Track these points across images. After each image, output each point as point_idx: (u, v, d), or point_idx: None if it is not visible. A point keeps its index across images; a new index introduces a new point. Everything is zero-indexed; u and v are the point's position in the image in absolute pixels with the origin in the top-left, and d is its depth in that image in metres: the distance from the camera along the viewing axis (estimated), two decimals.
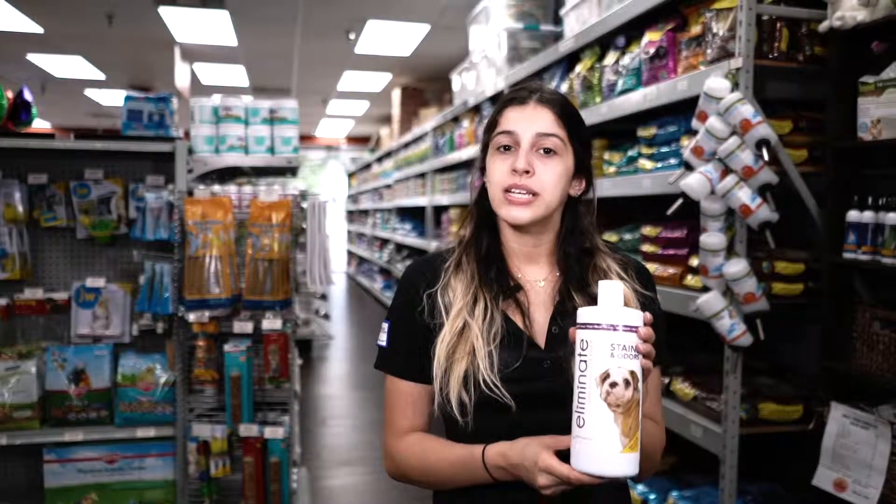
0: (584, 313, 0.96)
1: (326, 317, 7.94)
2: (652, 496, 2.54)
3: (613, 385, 0.91)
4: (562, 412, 1.05)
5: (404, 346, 1.18)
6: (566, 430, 0.99)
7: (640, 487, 2.58)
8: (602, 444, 0.91)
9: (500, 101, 1.19)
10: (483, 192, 1.22)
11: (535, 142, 1.12)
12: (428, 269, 1.19)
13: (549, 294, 1.16)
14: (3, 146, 2.53)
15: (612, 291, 0.95)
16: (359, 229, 13.13)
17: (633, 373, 0.92)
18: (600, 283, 0.97)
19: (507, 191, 1.12)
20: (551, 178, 1.12)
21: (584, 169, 1.18)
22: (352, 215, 14.52)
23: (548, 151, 1.12)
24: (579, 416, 0.93)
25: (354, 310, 10.64)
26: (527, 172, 1.10)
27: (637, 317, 0.94)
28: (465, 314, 1.11)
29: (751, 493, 2.32)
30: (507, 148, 1.13)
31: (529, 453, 1.00)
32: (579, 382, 0.93)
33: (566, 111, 1.16)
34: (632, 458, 0.92)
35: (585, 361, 0.93)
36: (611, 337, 0.92)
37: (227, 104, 2.79)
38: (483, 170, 1.21)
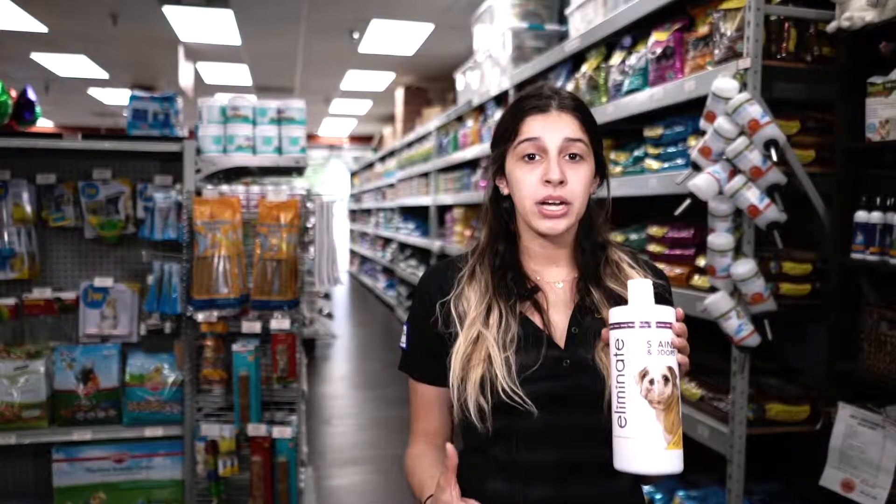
0: (616, 313, 0.95)
1: (330, 316, 7.95)
2: (658, 496, 2.55)
3: (653, 382, 0.91)
4: (585, 412, 1.06)
5: (421, 350, 1.19)
6: (592, 429, 0.99)
7: (647, 487, 2.58)
8: (645, 442, 0.91)
9: (516, 109, 1.16)
10: (496, 198, 1.21)
11: (563, 147, 1.10)
12: (441, 278, 1.19)
13: (568, 294, 1.16)
14: (11, 146, 2.54)
15: (643, 289, 0.95)
16: (361, 228, 13.15)
17: (670, 369, 0.92)
18: (629, 281, 0.97)
19: (540, 203, 1.10)
20: (581, 184, 1.11)
21: (600, 168, 1.18)
22: (354, 214, 14.53)
23: (574, 157, 1.11)
24: (620, 416, 0.93)
25: (357, 309, 10.65)
26: (561, 183, 1.09)
27: (670, 313, 0.94)
28: (478, 324, 1.11)
29: (757, 493, 2.33)
30: (531, 157, 1.11)
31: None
32: (617, 382, 0.93)
33: (586, 114, 1.15)
34: (676, 455, 0.91)
35: (622, 361, 0.93)
36: (646, 334, 0.92)
37: (234, 104, 2.80)
38: (496, 175, 1.19)
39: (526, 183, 1.11)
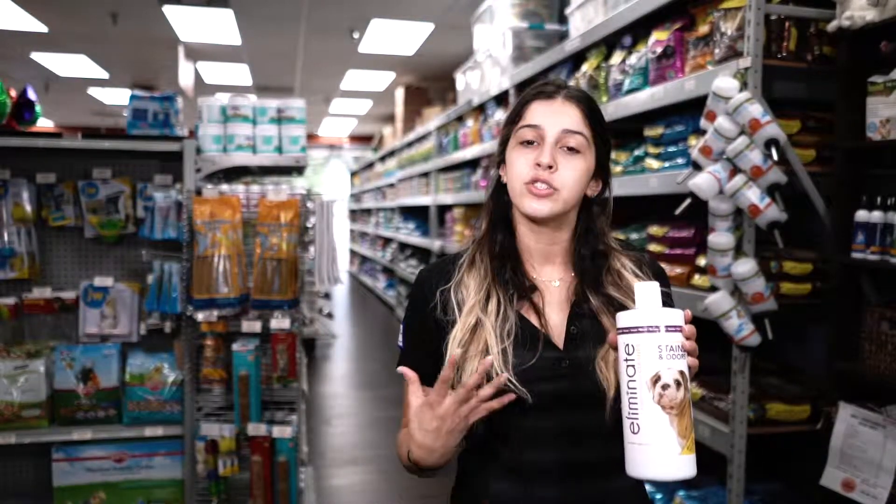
0: (625, 317, 0.94)
1: (330, 316, 7.95)
2: (658, 496, 2.55)
3: (665, 387, 0.90)
4: (585, 413, 1.05)
5: (414, 349, 1.19)
6: (591, 431, 0.98)
7: (647, 487, 2.58)
8: (660, 448, 0.90)
9: (525, 95, 1.17)
10: (498, 187, 1.20)
11: (561, 138, 1.11)
12: (440, 271, 1.19)
13: (565, 294, 1.15)
14: (11, 145, 2.53)
15: (650, 293, 0.94)
16: (361, 228, 13.15)
17: (682, 373, 0.91)
18: (636, 284, 0.96)
19: (529, 183, 1.10)
20: (573, 175, 1.11)
21: (602, 169, 1.18)
22: (354, 214, 14.53)
23: (572, 149, 1.11)
24: (633, 422, 0.92)
25: (357, 309, 10.65)
26: (550, 167, 1.09)
27: (679, 316, 0.94)
28: (477, 310, 1.10)
29: (758, 493, 2.33)
30: (530, 142, 1.12)
31: (418, 419, 1.01)
32: (629, 388, 0.92)
33: (592, 109, 1.15)
34: (690, 460, 0.90)
35: (633, 366, 0.92)
36: (657, 339, 0.91)
37: (235, 104, 2.80)
38: (500, 163, 1.19)
39: (518, 165, 1.12)
